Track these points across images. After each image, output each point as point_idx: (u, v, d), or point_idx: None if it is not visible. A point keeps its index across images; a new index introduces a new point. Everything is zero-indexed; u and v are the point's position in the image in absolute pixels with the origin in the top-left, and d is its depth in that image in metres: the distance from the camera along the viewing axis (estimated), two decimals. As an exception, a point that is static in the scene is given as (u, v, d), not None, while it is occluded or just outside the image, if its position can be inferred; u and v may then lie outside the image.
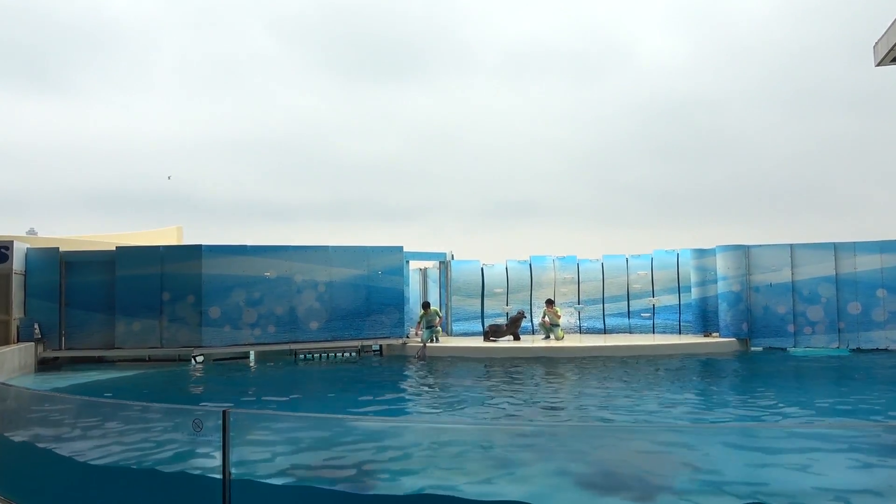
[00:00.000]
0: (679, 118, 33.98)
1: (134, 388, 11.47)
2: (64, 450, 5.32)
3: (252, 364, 14.42)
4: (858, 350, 14.44)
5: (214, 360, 14.35)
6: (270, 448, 4.67)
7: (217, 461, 4.19)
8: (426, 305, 16.12)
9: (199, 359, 14.24)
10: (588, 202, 36.29)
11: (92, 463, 5.01)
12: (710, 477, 3.89)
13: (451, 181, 36.76)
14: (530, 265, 18.09)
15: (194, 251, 14.57)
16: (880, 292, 14.51)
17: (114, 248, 14.71)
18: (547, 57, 35.46)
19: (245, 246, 14.90)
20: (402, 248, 16.18)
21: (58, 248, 14.60)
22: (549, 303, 16.43)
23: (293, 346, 14.91)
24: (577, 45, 34.97)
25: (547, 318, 16.17)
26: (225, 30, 35.29)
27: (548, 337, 16.14)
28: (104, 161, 34.24)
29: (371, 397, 9.84)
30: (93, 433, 5.40)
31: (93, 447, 5.20)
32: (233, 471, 4.18)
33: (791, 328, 15.01)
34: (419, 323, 15.86)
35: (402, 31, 35.34)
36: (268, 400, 9.81)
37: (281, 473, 4.50)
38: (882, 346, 14.40)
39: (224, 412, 4.17)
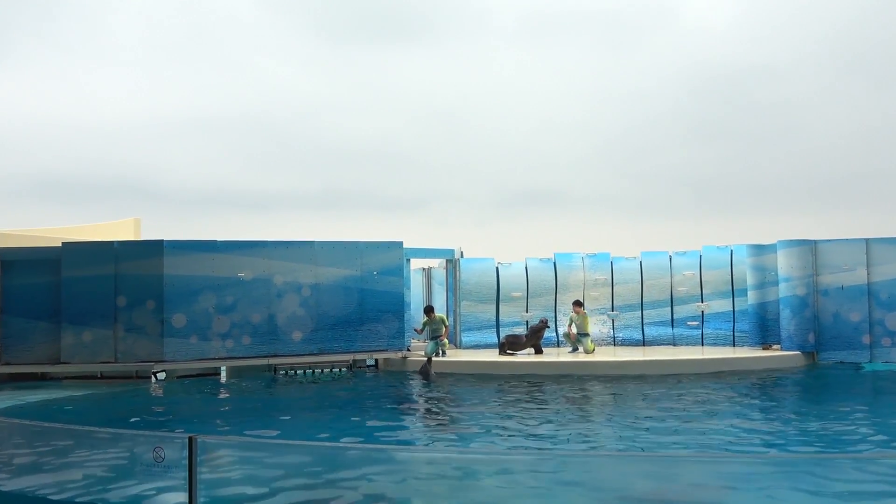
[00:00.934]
0: (730, 90, 33.83)
1: (83, 410, 11.46)
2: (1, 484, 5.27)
3: (224, 381, 14.41)
4: (947, 365, 14.33)
5: (179, 376, 14.36)
6: (245, 480, 4.62)
7: (182, 496, 4.16)
8: (429, 310, 16.09)
9: (161, 375, 14.23)
10: (623, 190, 36.13)
11: (31, 499, 4.96)
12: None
13: (460, 166, 36.73)
14: (555, 264, 18.03)
15: (155, 248, 14.57)
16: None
17: (59, 245, 14.72)
18: (573, 18, 35.38)
19: (215, 241, 14.88)
20: (401, 243, 16.15)
21: (-7, 244, 14.65)
22: (577, 304, 16.31)
23: (272, 361, 14.91)
24: (609, 4, 34.86)
25: (574, 328, 16.07)
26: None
27: (575, 350, 16.07)
28: (50, 143, 34.35)
29: (364, 421, 9.79)
30: (34, 464, 5.35)
31: (34, 481, 5.15)
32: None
33: (866, 339, 14.89)
34: (421, 329, 15.90)
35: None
36: (242, 424, 9.77)
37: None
38: (977, 361, 14.30)
39: (190, 439, 4.19)
